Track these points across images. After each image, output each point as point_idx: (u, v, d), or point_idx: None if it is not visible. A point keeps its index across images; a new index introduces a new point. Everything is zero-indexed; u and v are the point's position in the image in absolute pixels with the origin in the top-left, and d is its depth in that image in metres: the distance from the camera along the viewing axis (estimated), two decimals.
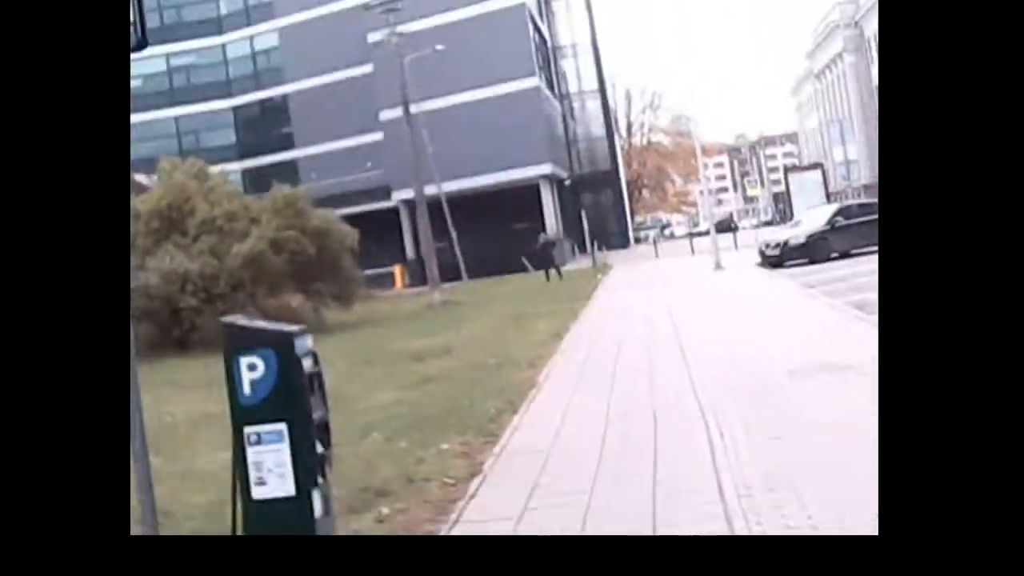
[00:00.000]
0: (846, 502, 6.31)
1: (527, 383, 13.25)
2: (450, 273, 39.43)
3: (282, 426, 4.55)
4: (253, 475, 4.57)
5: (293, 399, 4.59)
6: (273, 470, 4.56)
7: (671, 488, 7.42)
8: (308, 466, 4.58)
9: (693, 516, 6.71)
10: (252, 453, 4.56)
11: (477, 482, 8.25)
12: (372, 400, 12.17)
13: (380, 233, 42.87)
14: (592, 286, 31.92)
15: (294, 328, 4.98)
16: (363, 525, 7.00)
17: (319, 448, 4.67)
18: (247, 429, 4.57)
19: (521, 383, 13.24)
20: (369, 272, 32.85)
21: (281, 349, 4.61)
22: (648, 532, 6.39)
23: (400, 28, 39.58)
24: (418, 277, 45.01)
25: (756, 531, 6.17)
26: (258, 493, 4.58)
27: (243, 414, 4.58)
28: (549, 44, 62.82)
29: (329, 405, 5.00)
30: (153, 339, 23.83)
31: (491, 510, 7.42)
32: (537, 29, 56.10)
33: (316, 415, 4.69)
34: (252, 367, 4.57)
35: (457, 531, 6.96)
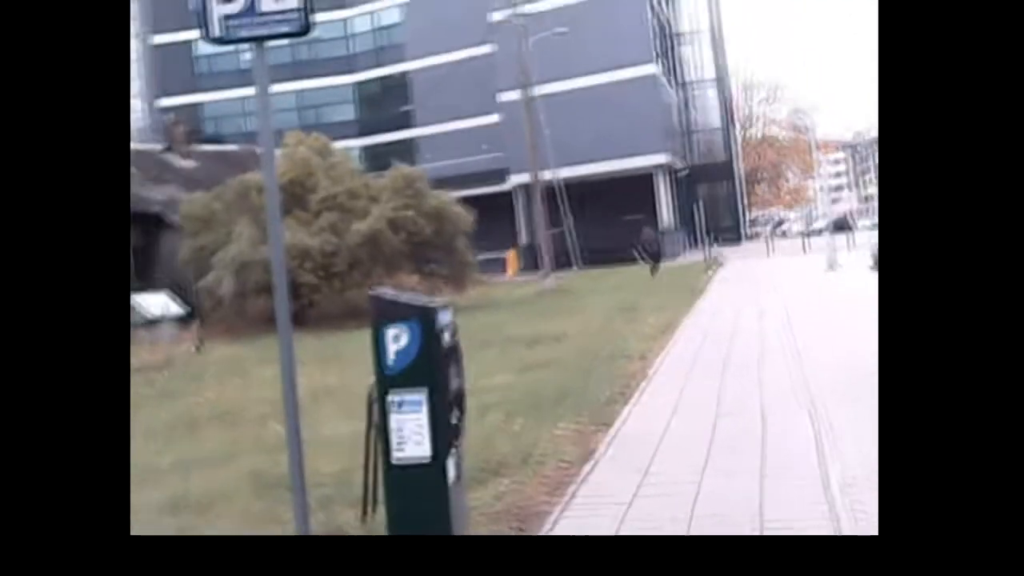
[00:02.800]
0: None
1: (638, 374, 13.47)
2: (561, 260, 39.57)
3: (422, 394, 4.87)
4: (394, 439, 4.89)
5: (433, 369, 4.90)
6: (412, 436, 4.88)
7: (778, 482, 7.62)
8: (444, 433, 4.89)
9: (799, 508, 6.91)
10: (394, 419, 4.89)
11: (590, 465, 8.52)
12: (488, 381, 12.47)
13: (494, 217, 43.08)
14: (704, 281, 31.89)
15: (437, 302, 5.30)
16: (483, 498, 7.32)
17: (455, 417, 4.98)
18: (390, 396, 4.89)
19: (632, 373, 13.47)
20: (482, 257, 33.17)
21: (424, 321, 4.92)
22: (754, 521, 6.59)
23: (522, 8, 39.72)
24: (530, 263, 45.25)
25: (861, 525, 6.33)
26: (398, 457, 4.91)
27: (387, 381, 4.91)
28: (669, 30, 62.31)
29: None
30: (270, 313, 24.12)
31: (603, 493, 7.69)
32: (657, 14, 55.77)
33: (453, 385, 5.00)
34: (396, 337, 4.89)
35: (569, 512, 7.24)
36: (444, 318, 5.03)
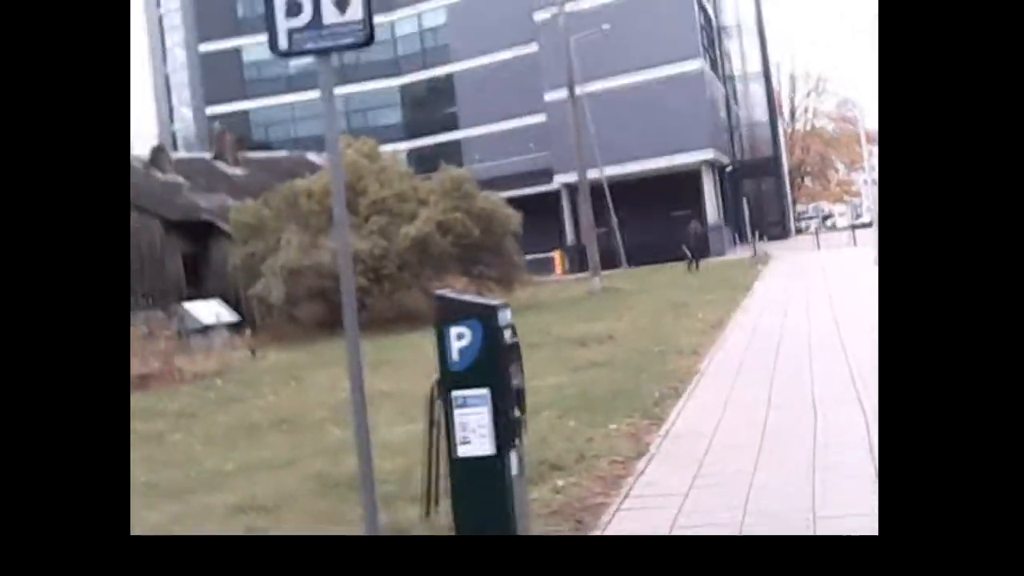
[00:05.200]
0: None
1: (690, 370, 13.58)
2: (608, 259, 39.57)
3: (485, 391, 5.06)
4: (459, 435, 5.09)
5: (495, 366, 5.10)
6: (476, 431, 5.08)
7: (830, 474, 7.71)
8: (506, 428, 5.08)
9: (850, 500, 7.01)
10: (458, 415, 5.09)
11: (644, 461, 8.66)
12: (541, 381, 12.61)
13: (540, 217, 43.26)
14: (752, 276, 31.86)
15: (497, 302, 5.50)
16: (541, 495, 7.50)
17: (516, 413, 5.17)
18: (454, 392, 5.09)
19: (684, 370, 13.59)
20: (529, 257, 33.25)
21: (487, 320, 5.12)
22: (807, 515, 6.69)
23: (567, 7, 39.62)
24: (577, 263, 45.32)
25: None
26: (462, 452, 5.11)
27: (451, 378, 5.11)
28: (714, 24, 61.89)
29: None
30: (323, 318, 24.32)
31: (658, 486, 7.84)
32: (703, 8, 55.42)
33: (514, 382, 5.19)
34: (460, 336, 5.09)
35: (627, 505, 7.40)
36: (505, 317, 5.22)
